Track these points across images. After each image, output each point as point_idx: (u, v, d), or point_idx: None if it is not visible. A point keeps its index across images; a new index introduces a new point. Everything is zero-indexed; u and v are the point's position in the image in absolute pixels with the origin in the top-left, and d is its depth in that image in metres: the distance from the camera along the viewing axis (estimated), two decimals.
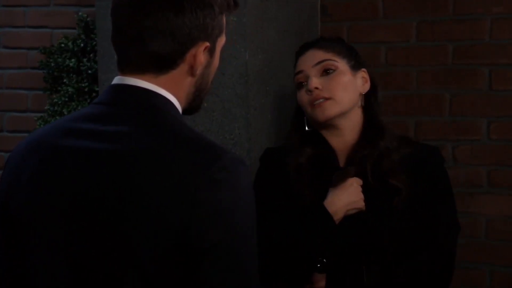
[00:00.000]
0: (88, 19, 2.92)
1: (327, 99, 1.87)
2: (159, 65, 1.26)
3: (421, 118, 2.55)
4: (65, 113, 2.80)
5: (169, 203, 1.15)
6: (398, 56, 2.57)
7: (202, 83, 1.32)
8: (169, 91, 1.27)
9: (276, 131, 2.35)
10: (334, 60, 1.90)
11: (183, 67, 1.27)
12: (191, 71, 1.28)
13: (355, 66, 1.94)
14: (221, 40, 1.33)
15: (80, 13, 2.96)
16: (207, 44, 1.28)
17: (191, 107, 1.35)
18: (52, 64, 2.92)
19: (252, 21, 2.22)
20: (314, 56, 1.92)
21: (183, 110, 1.33)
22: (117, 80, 1.29)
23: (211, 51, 1.30)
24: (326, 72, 1.89)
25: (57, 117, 2.82)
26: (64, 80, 2.89)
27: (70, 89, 2.85)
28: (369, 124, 1.92)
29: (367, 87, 1.95)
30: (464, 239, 2.40)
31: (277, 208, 1.88)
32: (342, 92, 1.88)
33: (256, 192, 1.94)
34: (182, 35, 1.24)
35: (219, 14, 1.29)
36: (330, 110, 1.87)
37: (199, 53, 1.27)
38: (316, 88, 1.87)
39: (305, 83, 1.91)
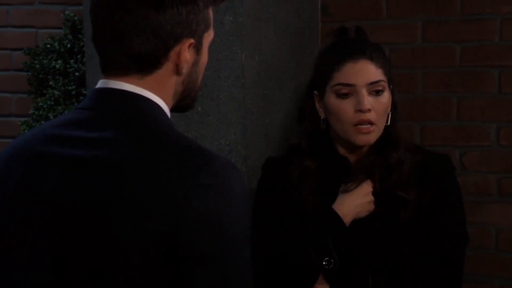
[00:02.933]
0: (75, 18, 2.92)
1: (372, 124, 1.89)
2: (142, 65, 1.26)
3: (426, 123, 2.55)
4: (51, 117, 2.80)
5: (157, 211, 1.16)
6: (402, 58, 2.57)
7: (190, 81, 1.32)
8: (155, 93, 1.28)
9: (275, 136, 2.35)
10: (384, 81, 1.91)
11: (168, 66, 1.28)
12: (177, 69, 1.28)
13: (390, 83, 1.95)
14: (209, 36, 1.33)
15: (66, 12, 2.96)
16: (192, 41, 1.28)
17: (181, 106, 1.35)
18: (37, 66, 2.91)
19: (249, 21, 2.22)
20: (368, 71, 1.90)
21: (173, 109, 1.33)
22: (101, 83, 1.30)
23: (197, 48, 1.30)
24: (376, 91, 1.90)
25: (42, 122, 2.81)
26: (50, 83, 2.88)
27: (56, 92, 2.84)
28: (383, 135, 1.94)
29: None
30: (473, 251, 2.40)
31: (281, 215, 1.93)
32: (383, 117, 1.92)
33: (258, 200, 2.01)
34: (164, 32, 1.24)
35: (204, 8, 1.29)
36: (372, 138, 1.90)
37: (184, 51, 1.27)
38: (369, 110, 1.88)
39: (351, 95, 1.90)
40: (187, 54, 1.28)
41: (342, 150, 1.95)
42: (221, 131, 2.22)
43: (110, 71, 1.28)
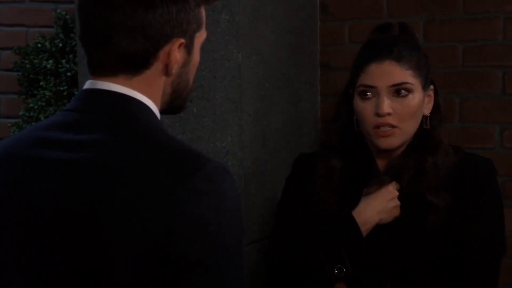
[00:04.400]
0: (67, 16, 2.91)
1: (394, 127, 1.86)
2: (131, 65, 1.26)
3: None
4: (42, 119, 2.79)
5: (148, 217, 1.15)
6: None
7: (180, 82, 1.32)
8: (144, 94, 1.27)
9: (272, 139, 2.34)
10: (411, 83, 1.87)
11: (157, 66, 1.27)
12: (166, 70, 1.28)
13: (426, 84, 1.92)
14: (201, 36, 1.32)
15: (58, 10, 2.95)
16: (182, 40, 1.27)
17: (171, 107, 1.34)
18: (28, 66, 2.91)
19: (245, 20, 2.22)
20: (392, 73, 1.87)
21: (163, 111, 1.33)
22: (88, 84, 1.29)
23: (188, 47, 1.29)
24: (399, 93, 1.87)
25: (33, 123, 2.80)
26: (41, 83, 2.88)
27: (47, 93, 2.83)
28: (423, 137, 1.92)
29: (430, 106, 1.94)
30: None
31: (302, 216, 1.93)
32: (409, 120, 1.88)
33: (282, 198, 2.02)
34: (153, 32, 1.24)
35: (196, 7, 1.29)
36: (394, 141, 1.88)
37: (174, 51, 1.27)
38: (388, 114, 1.86)
39: (372, 96, 1.88)
40: (177, 54, 1.27)
41: (374, 151, 1.93)
42: (217, 133, 2.21)
43: (98, 71, 1.28)
